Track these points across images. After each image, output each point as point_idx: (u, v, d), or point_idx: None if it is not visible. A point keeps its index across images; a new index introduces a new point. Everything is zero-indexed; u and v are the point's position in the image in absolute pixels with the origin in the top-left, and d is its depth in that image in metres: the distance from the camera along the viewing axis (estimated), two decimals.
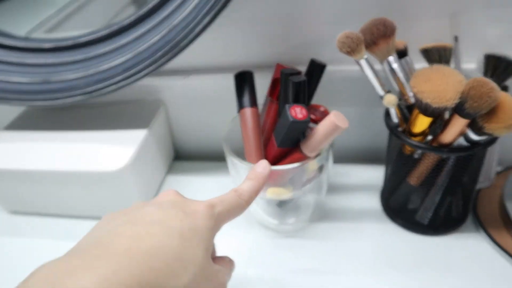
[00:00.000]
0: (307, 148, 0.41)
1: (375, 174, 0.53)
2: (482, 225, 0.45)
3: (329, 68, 0.45)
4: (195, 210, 0.29)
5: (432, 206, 0.44)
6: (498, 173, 0.51)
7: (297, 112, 0.39)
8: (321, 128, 0.39)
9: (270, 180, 0.44)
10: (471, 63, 0.46)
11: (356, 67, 0.41)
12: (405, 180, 0.44)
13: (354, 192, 0.53)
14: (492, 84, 0.34)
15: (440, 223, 0.45)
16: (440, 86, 0.35)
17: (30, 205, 0.56)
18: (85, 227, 0.52)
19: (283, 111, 0.39)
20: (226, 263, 0.33)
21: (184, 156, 0.65)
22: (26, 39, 0.55)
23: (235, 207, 0.32)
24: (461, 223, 0.47)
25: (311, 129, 0.41)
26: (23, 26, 0.60)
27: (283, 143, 0.42)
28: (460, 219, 0.47)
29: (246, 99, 0.47)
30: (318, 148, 0.41)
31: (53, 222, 0.55)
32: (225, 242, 0.48)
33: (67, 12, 0.61)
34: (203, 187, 0.58)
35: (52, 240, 0.52)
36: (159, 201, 0.30)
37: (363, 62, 0.40)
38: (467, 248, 0.44)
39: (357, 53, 0.39)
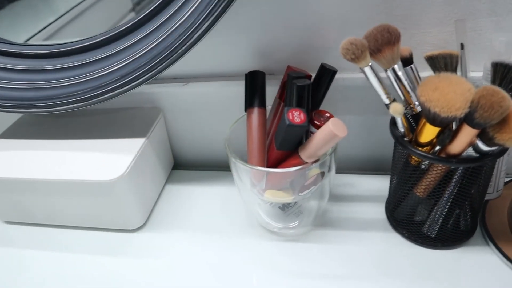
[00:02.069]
0: (305, 153, 0.40)
1: (380, 185, 0.51)
2: (491, 238, 0.44)
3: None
4: None
5: (439, 219, 0.43)
6: (506, 184, 0.49)
7: (295, 116, 0.38)
8: (319, 135, 0.38)
9: (269, 182, 0.43)
10: (477, 71, 0.44)
11: (361, 75, 0.40)
12: (412, 191, 0.43)
13: (358, 202, 0.52)
14: (503, 93, 0.32)
15: (448, 236, 0.44)
16: (448, 95, 0.34)
17: (25, 215, 0.54)
18: (81, 238, 0.51)
19: (282, 114, 0.39)
20: None
21: (183, 165, 0.64)
22: (21, 45, 0.54)
23: None
24: (469, 236, 0.45)
25: (313, 134, 0.40)
26: (22, 34, 0.59)
27: (281, 146, 0.41)
28: (468, 231, 0.45)
29: (255, 98, 0.46)
30: (315, 155, 0.40)
31: (48, 233, 0.53)
32: (226, 245, 0.48)
33: (66, 20, 0.60)
34: (203, 197, 0.56)
35: (46, 251, 0.51)
36: None
37: (367, 70, 0.39)
38: (476, 261, 0.43)
39: (361, 60, 0.37)
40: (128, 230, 0.52)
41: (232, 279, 0.45)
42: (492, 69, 0.39)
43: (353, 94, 0.51)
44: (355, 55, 0.37)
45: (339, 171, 0.52)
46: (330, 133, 0.38)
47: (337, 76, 0.45)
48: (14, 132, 0.58)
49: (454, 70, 0.41)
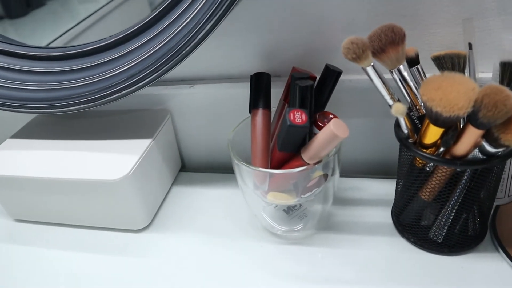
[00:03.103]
0: (306, 155, 0.40)
1: (387, 188, 0.50)
2: (501, 244, 0.42)
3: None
4: None
5: (446, 223, 0.41)
6: None
7: (296, 116, 0.38)
8: (320, 136, 0.38)
9: (272, 184, 0.43)
10: (487, 72, 0.43)
11: (366, 76, 0.39)
12: (417, 194, 0.42)
13: (364, 206, 0.51)
14: (507, 91, 0.31)
15: (455, 242, 0.43)
16: (451, 94, 0.33)
17: (33, 213, 0.55)
18: (86, 237, 0.52)
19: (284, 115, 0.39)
20: None
21: (191, 167, 0.64)
22: (35, 47, 0.55)
23: None
24: (478, 242, 0.43)
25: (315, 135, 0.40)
26: (44, 39, 0.60)
27: (282, 147, 0.41)
28: (477, 237, 0.44)
29: (260, 100, 0.46)
30: (317, 156, 0.39)
31: (55, 231, 0.54)
32: (230, 248, 0.48)
33: (86, 25, 0.61)
34: (210, 199, 0.56)
35: (53, 250, 0.51)
36: None
37: (369, 70, 0.38)
38: (485, 268, 0.41)
39: (363, 60, 0.37)
40: (133, 230, 0.52)
41: (235, 281, 0.44)
42: (500, 69, 0.38)
43: (360, 96, 0.50)
44: (356, 54, 0.36)
45: (345, 174, 0.51)
46: (331, 133, 0.37)
47: (343, 77, 0.44)
48: (26, 133, 0.59)
49: (461, 70, 0.40)
